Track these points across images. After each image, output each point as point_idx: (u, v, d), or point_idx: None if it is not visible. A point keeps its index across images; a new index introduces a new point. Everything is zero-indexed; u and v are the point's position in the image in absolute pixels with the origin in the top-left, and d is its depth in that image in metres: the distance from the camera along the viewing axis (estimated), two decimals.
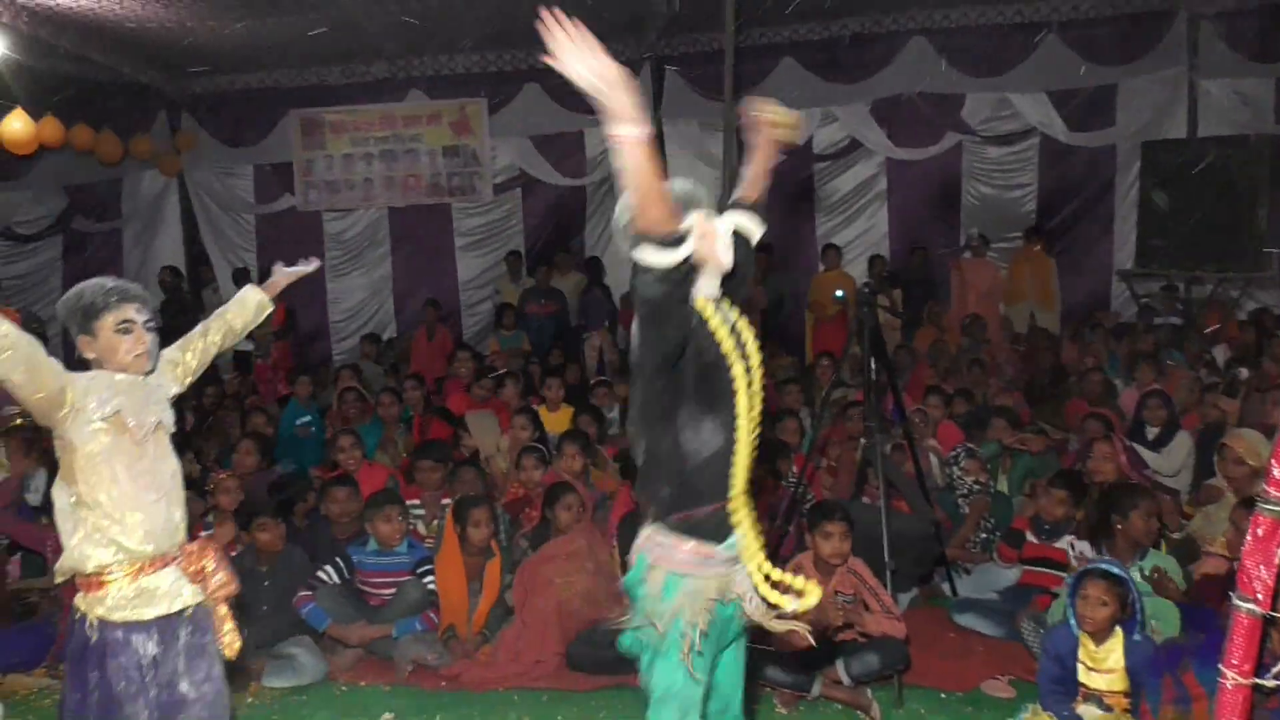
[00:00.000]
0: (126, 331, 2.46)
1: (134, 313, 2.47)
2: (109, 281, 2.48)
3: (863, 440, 4.74)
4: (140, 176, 10.35)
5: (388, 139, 9.99)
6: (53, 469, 2.56)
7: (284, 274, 3.11)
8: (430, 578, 4.46)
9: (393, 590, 4.45)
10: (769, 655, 3.61)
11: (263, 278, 3.13)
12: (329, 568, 4.46)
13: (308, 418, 7.10)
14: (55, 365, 2.34)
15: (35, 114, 7.63)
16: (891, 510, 4.27)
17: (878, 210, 9.75)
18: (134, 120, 9.67)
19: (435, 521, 5.17)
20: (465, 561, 4.49)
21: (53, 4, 7.39)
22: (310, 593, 4.34)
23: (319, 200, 10.21)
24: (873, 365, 4.40)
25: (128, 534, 2.42)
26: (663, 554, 2.22)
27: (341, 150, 10.04)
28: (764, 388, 2.24)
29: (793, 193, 9.42)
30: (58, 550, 2.51)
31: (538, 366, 7.86)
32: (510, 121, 9.79)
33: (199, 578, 2.53)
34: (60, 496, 2.46)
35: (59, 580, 2.55)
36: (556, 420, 6.25)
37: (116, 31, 8.17)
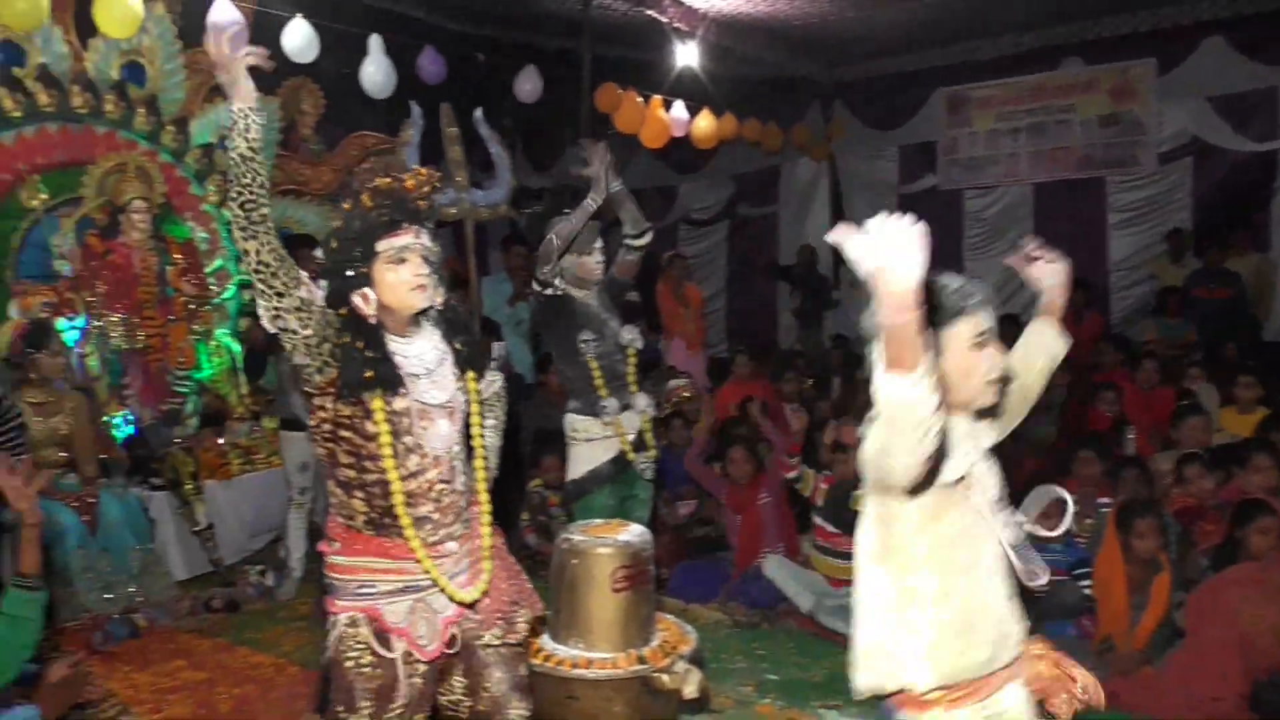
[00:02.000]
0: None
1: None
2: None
3: None
4: (796, 163, 11.23)
5: (1036, 111, 9.51)
6: None
7: None
8: (1086, 581, 4.18)
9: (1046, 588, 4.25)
10: None
11: None
12: None
13: None
14: None
15: (716, 112, 8.72)
16: None
17: None
18: (792, 111, 10.54)
19: (1087, 520, 4.83)
20: (1128, 571, 4.12)
21: (734, 12, 8.35)
22: None
23: (961, 178, 10.13)
24: None
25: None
26: None
27: (987, 126, 9.82)
28: None
29: None
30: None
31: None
32: (1183, 82, 8.64)
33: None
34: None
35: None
36: (1243, 423, 5.42)
37: (784, 30, 8.95)
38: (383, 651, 2.23)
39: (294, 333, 2.12)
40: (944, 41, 9.68)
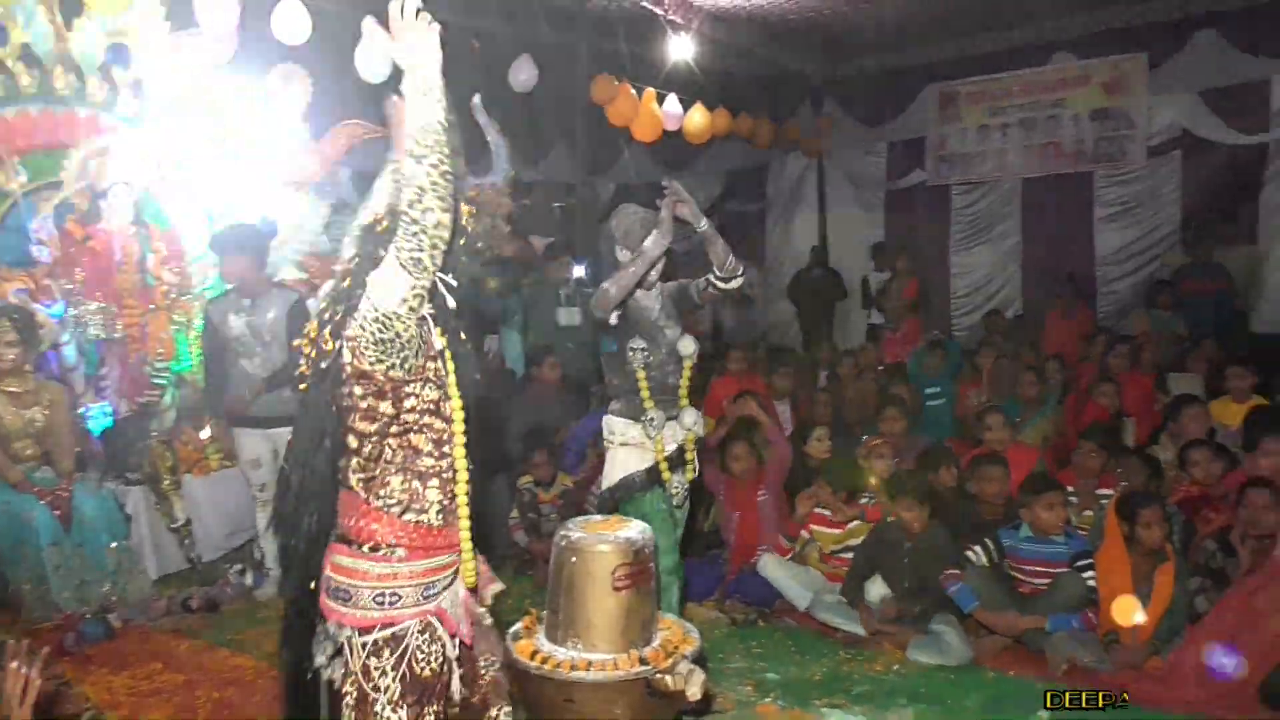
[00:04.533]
0: None
1: None
2: None
3: None
4: (784, 160, 11.17)
5: (1027, 106, 9.48)
6: None
7: None
8: (1090, 573, 4.10)
9: (1047, 580, 4.18)
10: None
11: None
12: (978, 548, 4.34)
13: (936, 388, 7.10)
14: None
15: (709, 106, 8.61)
16: None
17: None
18: (783, 106, 10.47)
19: (1087, 511, 4.78)
20: (1132, 561, 4.05)
21: (728, 6, 8.26)
22: (959, 572, 4.26)
23: (950, 173, 10.09)
24: None
25: None
26: None
27: (977, 121, 9.78)
28: None
29: None
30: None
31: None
32: (1175, 76, 8.63)
33: None
34: None
35: None
36: (1236, 413, 5.37)
37: (776, 25, 8.88)
38: (450, 650, 2.15)
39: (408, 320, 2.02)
40: (935, 37, 9.64)
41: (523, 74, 7.05)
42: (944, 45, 9.75)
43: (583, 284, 7.59)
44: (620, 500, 3.64)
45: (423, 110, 1.91)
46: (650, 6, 7.56)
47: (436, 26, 1.96)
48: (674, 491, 3.68)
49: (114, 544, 4.72)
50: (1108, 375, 6.28)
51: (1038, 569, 4.24)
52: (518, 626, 2.93)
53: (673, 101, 8.16)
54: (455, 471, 2.15)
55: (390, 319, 1.96)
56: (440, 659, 2.12)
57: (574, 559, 2.79)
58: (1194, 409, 5.24)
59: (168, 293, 5.52)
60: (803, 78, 10.62)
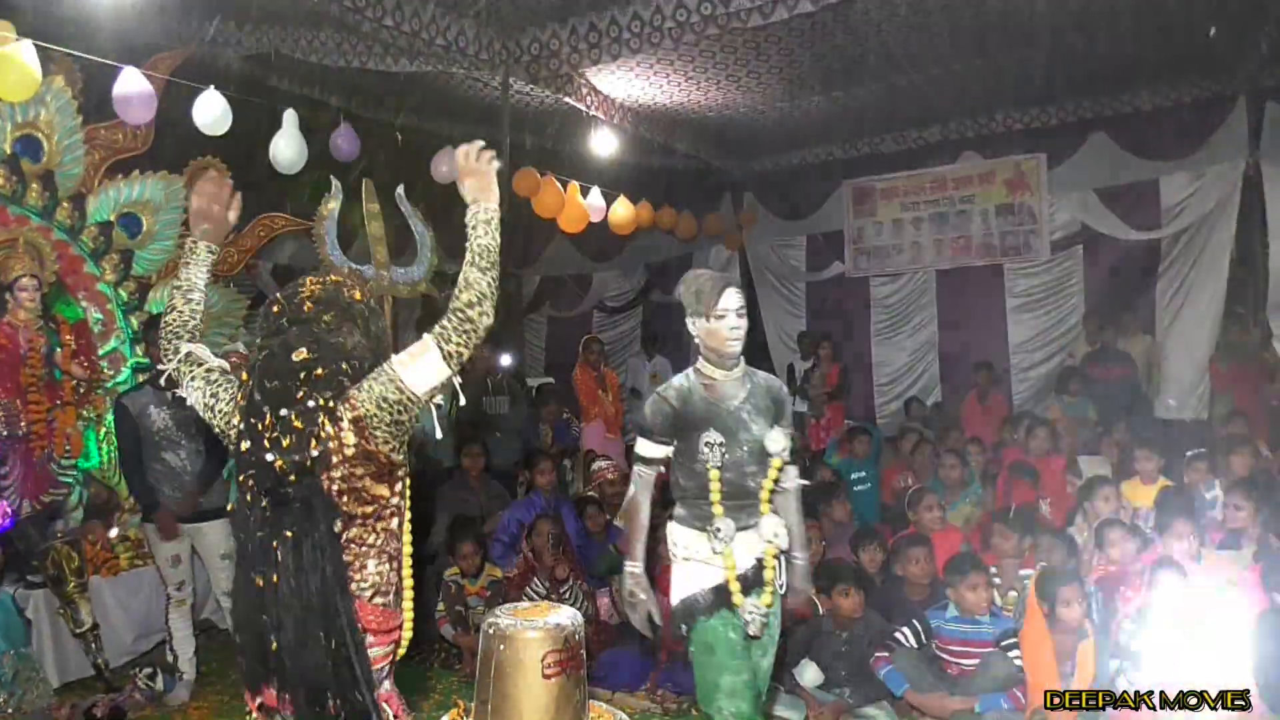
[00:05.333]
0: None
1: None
2: None
3: None
4: (708, 251, 11.43)
5: (938, 202, 9.92)
6: None
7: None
8: (1016, 652, 4.14)
9: (975, 661, 4.22)
10: None
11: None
12: (906, 630, 4.37)
13: (862, 473, 7.21)
14: None
15: (632, 199, 8.81)
16: None
17: None
18: (705, 200, 10.76)
19: (1012, 592, 4.85)
20: (1055, 640, 4.11)
21: (650, 103, 8.54)
22: (888, 654, 4.27)
23: (868, 266, 10.43)
24: None
25: None
26: None
27: (891, 216, 10.18)
28: None
29: None
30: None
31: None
32: (1072, 175, 9.15)
33: None
34: None
35: None
36: (1145, 494, 5.56)
37: (698, 122, 9.20)
38: None
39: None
40: (850, 136, 10.09)
41: (444, 166, 7.14)
42: (858, 143, 10.22)
43: (508, 372, 7.58)
44: (685, 627, 3.08)
45: (486, 235, 2.22)
46: (573, 102, 7.77)
47: (497, 164, 2.32)
48: (749, 617, 2.99)
49: (11, 651, 4.44)
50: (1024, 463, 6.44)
51: (965, 649, 4.27)
52: (445, 719, 2.83)
53: (596, 195, 8.33)
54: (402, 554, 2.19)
55: (411, 403, 2.07)
56: None
57: (502, 646, 2.72)
58: (1106, 489, 5.41)
59: (76, 387, 5.35)
60: (723, 173, 10.96)
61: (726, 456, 2.99)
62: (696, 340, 3.08)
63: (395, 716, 2.15)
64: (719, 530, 2.96)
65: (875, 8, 6.50)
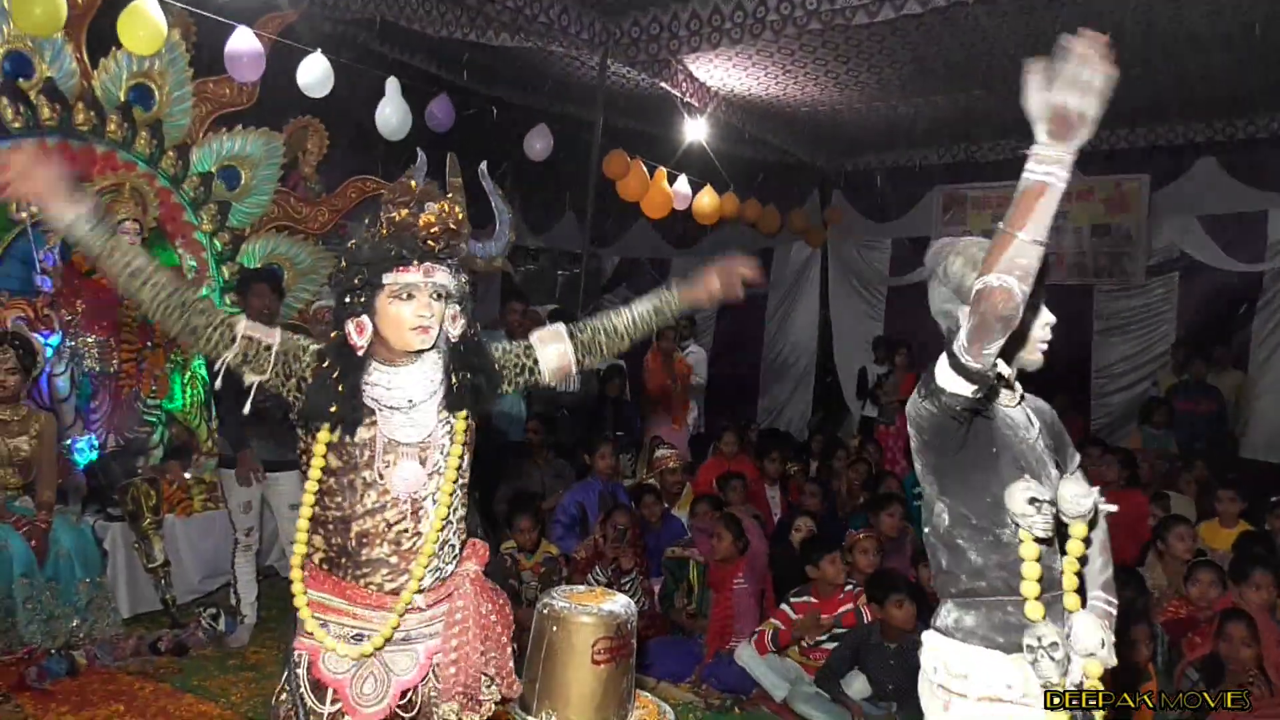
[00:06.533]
0: None
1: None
2: None
3: None
4: (789, 247, 11.33)
5: None
6: None
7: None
8: None
9: None
10: None
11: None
12: None
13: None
14: None
15: (719, 189, 8.77)
16: None
17: None
18: (791, 195, 10.65)
19: None
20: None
21: (745, 94, 8.47)
22: None
23: None
24: None
25: None
26: None
27: (982, 226, 9.92)
28: None
29: None
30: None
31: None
32: (1176, 199, 8.85)
33: None
34: None
35: None
36: (1224, 538, 5.36)
37: (791, 116, 9.10)
38: (313, 702, 2.10)
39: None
40: (944, 141, 9.88)
41: (538, 143, 7.19)
42: (954, 149, 10.00)
43: None
44: None
45: (658, 321, 2.58)
46: (668, 88, 7.75)
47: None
48: None
49: (88, 580, 4.63)
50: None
51: None
52: None
53: (683, 182, 8.30)
54: (346, 525, 2.22)
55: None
56: (301, 706, 2.13)
57: (555, 628, 2.76)
58: (1181, 528, 5.22)
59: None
60: (813, 169, 10.84)
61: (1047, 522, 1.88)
62: (959, 347, 1.82)
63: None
64: (1050, 646, 1.85)
65: (984, 14, 6.34)
